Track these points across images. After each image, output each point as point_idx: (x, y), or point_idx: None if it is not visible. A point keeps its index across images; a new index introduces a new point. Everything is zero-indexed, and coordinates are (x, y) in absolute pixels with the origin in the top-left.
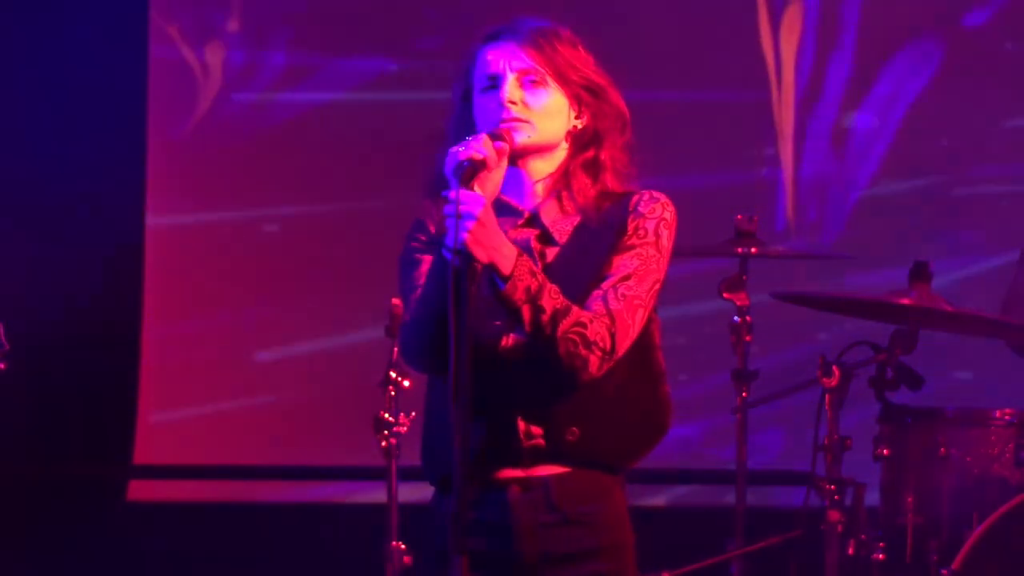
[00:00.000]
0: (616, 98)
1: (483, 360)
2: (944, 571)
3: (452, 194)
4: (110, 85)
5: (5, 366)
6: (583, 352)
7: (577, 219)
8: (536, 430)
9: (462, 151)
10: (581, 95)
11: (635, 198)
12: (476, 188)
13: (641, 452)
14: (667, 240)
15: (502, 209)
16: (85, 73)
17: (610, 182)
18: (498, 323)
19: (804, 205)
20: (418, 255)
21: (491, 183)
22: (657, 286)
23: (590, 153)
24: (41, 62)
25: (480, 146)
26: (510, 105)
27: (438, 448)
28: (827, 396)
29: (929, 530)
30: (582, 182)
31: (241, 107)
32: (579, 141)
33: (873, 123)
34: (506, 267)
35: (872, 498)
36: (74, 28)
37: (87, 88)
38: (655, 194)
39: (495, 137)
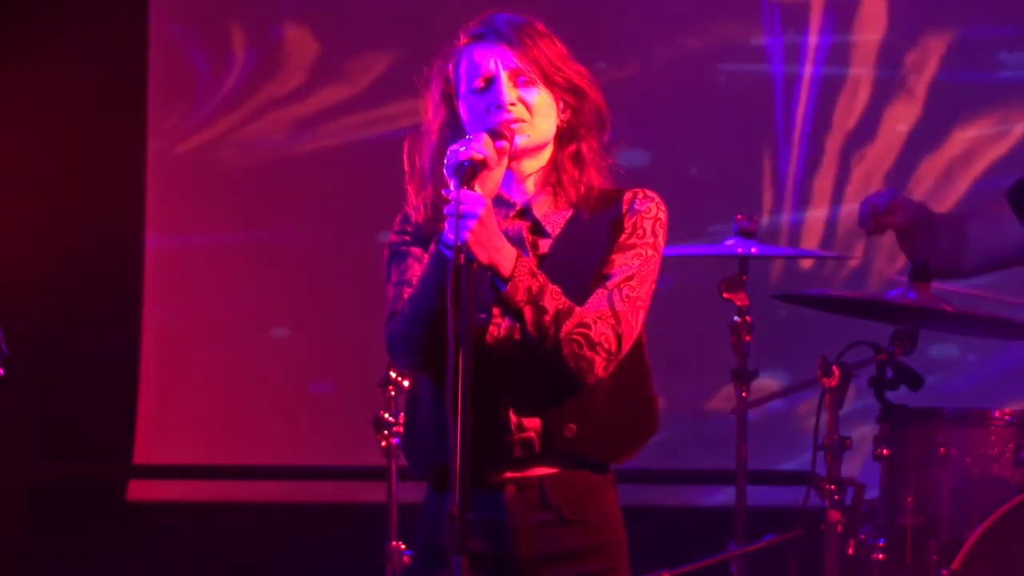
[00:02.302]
0: (596, 95)
1: (471, 353)
2: (944, 571)
3: (453, 194)
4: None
5: (4, 372)
6: (588, 353)
7: (569, 212)
8: (528, 423)
9: (463, 151)
10: (563, 93)
11: (628, 195)
12: (476, 188)
13: (635, 449)
14: (662, 239)
15: (495, 201)
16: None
17: (595, 176)
18: (483, 315)
19: (804, 204)
20: (405, 248)
21: (491, 182)
22: (654, 286)
23: (573, 147)
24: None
25: (481, 146)
26: (510, 107)
27: (423, 441)
28: (827, 396)
29: (929, 530)
30: (571, 174)
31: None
32: (563, 136)
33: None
34: (506, 268)
35: (872, 498)
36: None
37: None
38: (648, 192)
39: (496, 136)
